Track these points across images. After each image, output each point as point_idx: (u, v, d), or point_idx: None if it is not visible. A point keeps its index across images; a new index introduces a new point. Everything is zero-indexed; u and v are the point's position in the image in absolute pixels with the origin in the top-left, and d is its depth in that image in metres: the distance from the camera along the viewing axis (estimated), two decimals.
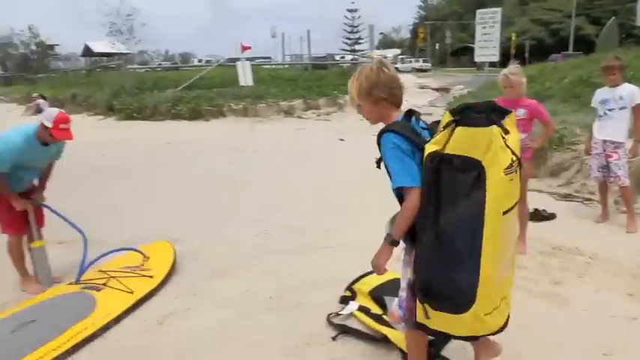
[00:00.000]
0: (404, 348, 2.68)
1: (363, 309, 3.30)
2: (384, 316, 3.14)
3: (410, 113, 2.20)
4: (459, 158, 1.93)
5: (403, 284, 2.33)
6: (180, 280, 4.00)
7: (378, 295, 3.34)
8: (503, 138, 1.94)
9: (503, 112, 2.00)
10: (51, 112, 3.61)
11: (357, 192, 6.42)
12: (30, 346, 2.95)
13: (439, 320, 2.08)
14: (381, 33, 79.67)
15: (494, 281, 2.01)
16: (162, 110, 15.18)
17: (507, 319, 2.19)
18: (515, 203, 2.04)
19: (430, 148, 2.01)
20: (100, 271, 3.96)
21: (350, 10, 67.06)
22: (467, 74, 34.58)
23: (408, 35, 77.76)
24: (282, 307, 3.49)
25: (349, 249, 4.53)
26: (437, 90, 23.91)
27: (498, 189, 1.92)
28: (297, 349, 2.96)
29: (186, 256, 4.40)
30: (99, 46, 41.49)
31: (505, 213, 1.96)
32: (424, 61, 47.72)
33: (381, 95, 2.21)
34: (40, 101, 19.82)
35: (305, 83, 18.08)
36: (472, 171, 1.92)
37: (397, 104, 2.26)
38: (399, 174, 2.10)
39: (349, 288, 3.56)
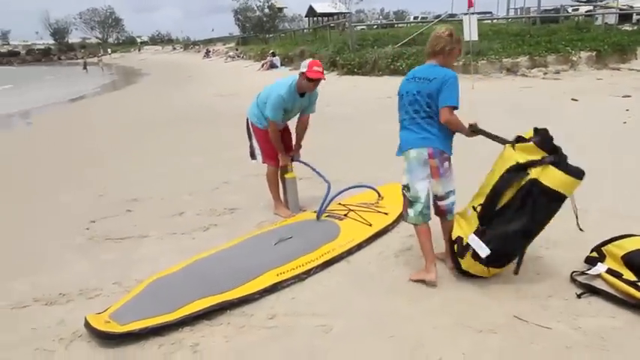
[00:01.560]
0: None
1: (613, 272, 3.04)
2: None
3: None
4: (555, 192, 2.87)
5: None
6: None
7: (635, 260, 3.03)
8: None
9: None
10: (305, 62, 4.14)
11: (591, 155, 5.78)
12: (290, 257, 3.47)
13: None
14: None
15: None
16: (381, 66, 15.61)
17: None
18: None
19: (519, 157, 2.92)
20: (340, 204, 4.37)
21: None
22: None
23: None
24: None
25: (592, 212, 4.17)
26: None
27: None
28: (537, 300, 2.90)
29: None
30: (322, 7, 44.08)
31: None
32: None
33: None
34: (273, 58, 22.18)
35: (532, 39, 16.56)
36: (560, 201, 2.93)
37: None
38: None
39: (597, 249, 3.30)
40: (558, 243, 3.62)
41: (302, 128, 4.56)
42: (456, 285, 3.13)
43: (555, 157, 2.84)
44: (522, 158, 2.89)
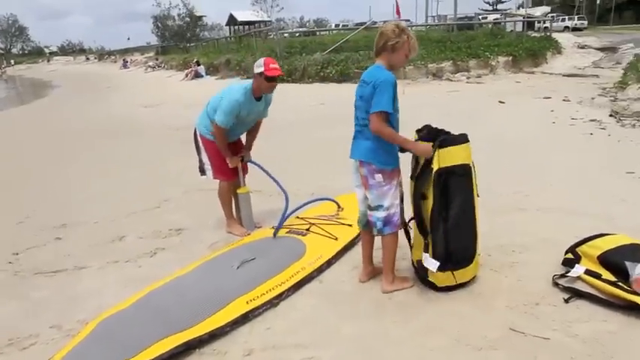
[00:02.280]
0: None
1: (591, 273, 3.00)
2: (621, 283, 2.85)
3: None
4: (457, 167, 2.82)
5: None
6: None
7: (611, 260, 3.02)
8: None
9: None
10: (259, 61, 3.81)
11: (534, 155, 5.95)
12: (257, 281, 3.13)
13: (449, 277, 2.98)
14: None
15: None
16: (311, 73, 15.51)
17: None
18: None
19: (420, 160, 2.92)
20: (299, 217, 4.10)
21: None
22: (634, 32, 30.37)
23: None
24: (496, 265, 3.31)
25: (551, 211, 4.20)
26: (601, 50, 21.34)
27: (474, 180, 2.92)
28: (526, 308, 2.78)
29: None
30: (243, 15, 43.65)
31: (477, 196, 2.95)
32: (579, 19, 42.76)
33: None
34: (198, 67, 21.49)
35: (453, 44, 17.20)
36: (468, 172, 2.88)
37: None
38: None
39: (572, 250, 3.26)
40: (528, 246, 3.58)
41: (254, 131, 4.25)
42: (441, 299, 2.95)
43: (439, 140, 2.81)
44: (421, 159, 2.90)
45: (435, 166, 2.79)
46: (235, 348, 2.60)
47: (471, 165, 2.88)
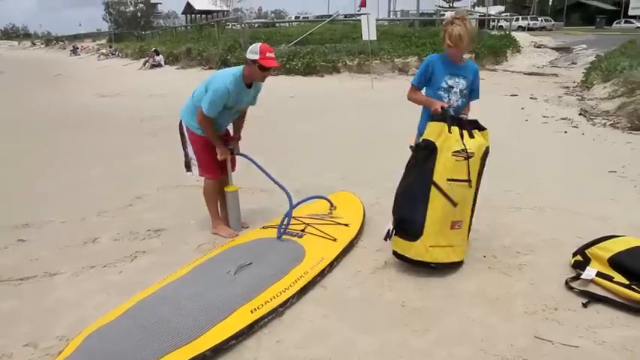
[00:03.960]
0: None
1: (603, 276, 2.94)
2: (634, 285, 2.80)
3: None
4: (424, 141, 3.02)
5: None
6: (372, 231, 3.80)
7: (623, 262, 2.96)
8: (462, 137, 2.95)
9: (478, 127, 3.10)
10: (253, 47, 3.50)
11: (516, 154, 5.95)
12: (258, 287, 2.88)
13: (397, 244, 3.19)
14: None
15: (439, 226, 3.01)
16: None
17: (458, 263, 3.16)
18: (464, 180, 2.97)
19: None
20: (293, 217, 3.86)
21: None
22: (583, 34, 31.54)
23: None
24: (504, 268, 3.20)
25: (546, 210, 4.15)
26: (556, 49, 22.01)
27: (446, 162, 2.93)
28: (546, 314, 2.68)
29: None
30: (200, 4, 42.47)
31: (450, 180, 2.95)
32: (532, 19, 43.97)
33: None
34: (157, 57, 20.70)
35: (418, 40, 17.25)
36: (428, 148, 2.98)
37: None
38: None
39: (581, 252, 3.19)
40: (533, 247, 3.50)
41: (240, 120, 3.95)
42: (457, 305, 2.81)
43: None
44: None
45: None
46: None
47: (436, 145, 2.95)
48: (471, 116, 3.23)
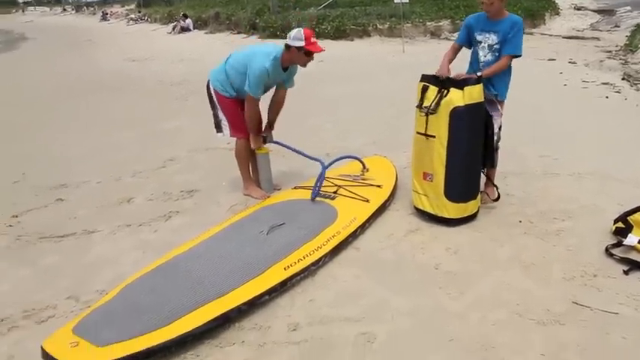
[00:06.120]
0: None
1: None
2: None
3: None
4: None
5: None
6: (405, 194, 3.75)
7: None
8: (439, 95, 3.15)
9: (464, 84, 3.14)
10: (296, 33, 3.47)
11: (550, 117, 5.75)
12: (291, 246, 2.90)
13: None
14: None
15: (415, 173, 3.41)
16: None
17: (435, 216, 3.31)
18: (428, 135, 3.20)
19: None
20: (326, 179, 3.83)
21: None
22: None
23: None
24: (540, 233, 3.12)
25: (585, 177, 4.01)
26: (597, 12, 20.99)
27: (416, 117, 3.28)
28: (584, 280, 2.62)
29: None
30: None
31: (417, 133, 3.29)
32: None
33: None
34: (186, 21, 20.61)
35: (451, 2, 16.65)
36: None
37: None
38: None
39: (622, 219, 3.08)
40: (570, 213, 3.40)
41: (278, 104, 3.89)
42: (491, 268, 2.77)
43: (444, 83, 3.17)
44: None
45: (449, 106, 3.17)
46: (278, 323, 2.39)
47: (419, 102, 3.28)
48: (490, 70, 3.27)
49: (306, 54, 3.47)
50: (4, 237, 3.51)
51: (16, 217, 3.84)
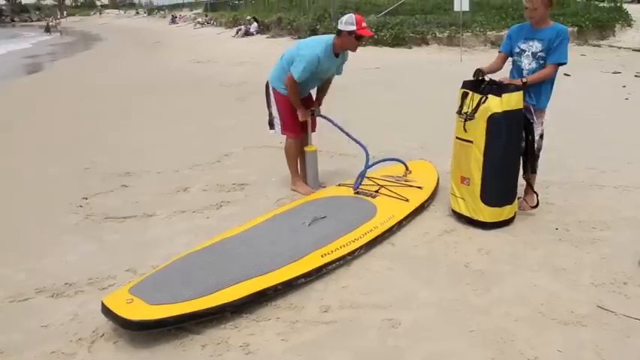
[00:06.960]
0: None
1: None
2: None
3: None
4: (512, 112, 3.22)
5: None
6: (446, 197, 3.86)
7: None
8: (480, 102, 3.23)
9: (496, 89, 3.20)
10: (348, 18, 3.66)
11: (605, 130, 5.63)
12: (330, 237, 3.09)
13: None
14: None
15: (454, 177, 3.53)
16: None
17: (468, 218, 3.41)
18: (466, 140, 3.34)
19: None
20: (367, 178, 4.00)
21: None
22: None
23: None
24: (575, 241, 3.16)
25: (629, 190, 3.96)
26: None
27: (456, 123, 3.43)
28: (613, 287, 2.65)
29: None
30: None
31: (457, 139, 3.45)
32: None
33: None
34: (254, 24, 21.31)
35: (516, 12, 16.32)
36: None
37: None
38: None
39: None
40: (609, 224, 3.40)
41: (326, 83, 4.16)
42: (521, 271, 2.85)
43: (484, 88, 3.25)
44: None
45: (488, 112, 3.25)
46: (311, 304, 2.58)
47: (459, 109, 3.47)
48: (535, 76, 3.30)
49: (356, 38, 3.65)
50: (74, 216, 3.92)
51: (86, 199, 4.26)
